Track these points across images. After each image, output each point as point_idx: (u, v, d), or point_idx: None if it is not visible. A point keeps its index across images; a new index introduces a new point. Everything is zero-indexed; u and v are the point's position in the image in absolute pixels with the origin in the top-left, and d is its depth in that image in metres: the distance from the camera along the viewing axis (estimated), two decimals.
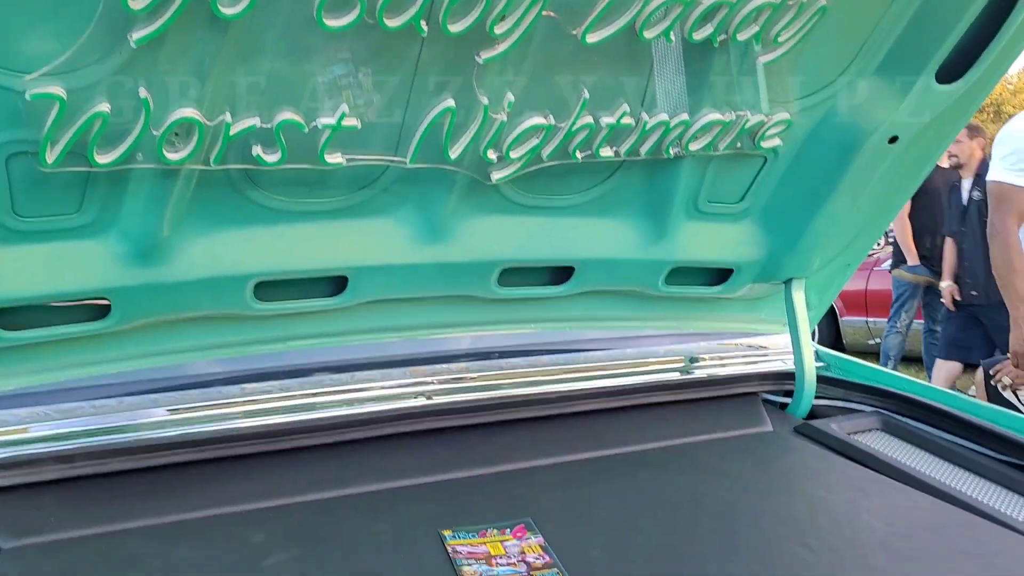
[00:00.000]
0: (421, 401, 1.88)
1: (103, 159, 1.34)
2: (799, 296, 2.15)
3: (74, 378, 1.68)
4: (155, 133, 1.33)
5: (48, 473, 1.57)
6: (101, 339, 1.64)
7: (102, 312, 1.60)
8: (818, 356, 2.29)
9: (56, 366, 1.64)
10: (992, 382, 4.45)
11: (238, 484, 1.67)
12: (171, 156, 1.38)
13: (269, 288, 1.71)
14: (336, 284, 1.76)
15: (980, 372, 4.91)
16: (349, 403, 1.84)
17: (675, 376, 2.20)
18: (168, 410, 1.75)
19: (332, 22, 1.31)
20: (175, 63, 1.31)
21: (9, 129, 1.30)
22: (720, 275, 2.10)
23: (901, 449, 1.95)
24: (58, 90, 1.25)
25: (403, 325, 1.92)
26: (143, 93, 1.29)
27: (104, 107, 1.29)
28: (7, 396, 1.64)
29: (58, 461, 1.57)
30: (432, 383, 1.93)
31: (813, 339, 2.26)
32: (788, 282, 2.14)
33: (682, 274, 2.04)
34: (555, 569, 1.47)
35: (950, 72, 1.74)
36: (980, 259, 4.83)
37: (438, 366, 1.99)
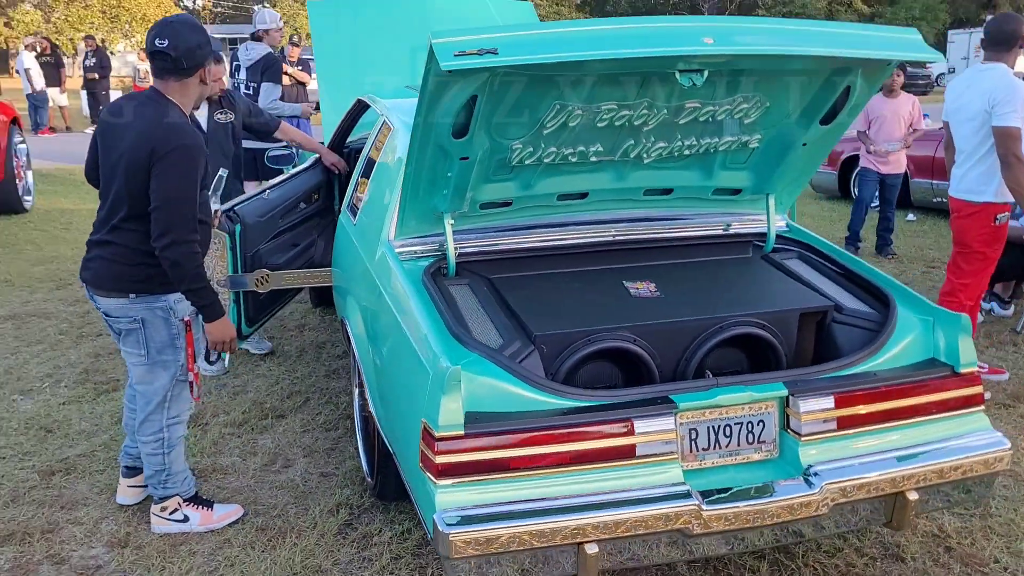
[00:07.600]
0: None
1: None
2: (772, 199, 4.86)
3: None
4: None
5: None
6: None
7: None
8: (788, 225, 5.04)
9: None
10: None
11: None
12: None
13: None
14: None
15: None
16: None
17: (719, 231, 4.97)
18: None
19: None
20: None
21: None
22: (734, 191, 4.82)
23: (802, 264, 4.78)
24: None
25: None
26: None
27: None
28: None
29: None
30: (612, 234, 4.74)
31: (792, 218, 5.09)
32: (767, 194, 4.84)
33: (718, 191, 4.78)
34: None
35: (826, 119, 4.32)
36: None
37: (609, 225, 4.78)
